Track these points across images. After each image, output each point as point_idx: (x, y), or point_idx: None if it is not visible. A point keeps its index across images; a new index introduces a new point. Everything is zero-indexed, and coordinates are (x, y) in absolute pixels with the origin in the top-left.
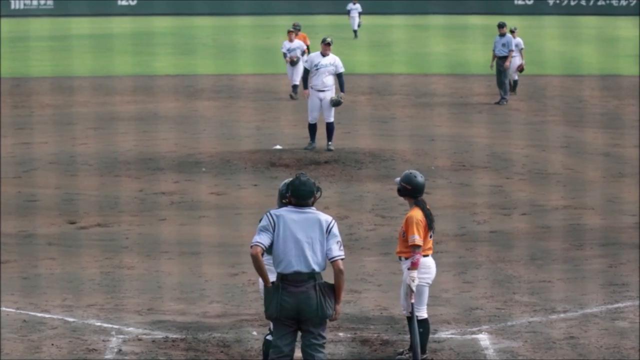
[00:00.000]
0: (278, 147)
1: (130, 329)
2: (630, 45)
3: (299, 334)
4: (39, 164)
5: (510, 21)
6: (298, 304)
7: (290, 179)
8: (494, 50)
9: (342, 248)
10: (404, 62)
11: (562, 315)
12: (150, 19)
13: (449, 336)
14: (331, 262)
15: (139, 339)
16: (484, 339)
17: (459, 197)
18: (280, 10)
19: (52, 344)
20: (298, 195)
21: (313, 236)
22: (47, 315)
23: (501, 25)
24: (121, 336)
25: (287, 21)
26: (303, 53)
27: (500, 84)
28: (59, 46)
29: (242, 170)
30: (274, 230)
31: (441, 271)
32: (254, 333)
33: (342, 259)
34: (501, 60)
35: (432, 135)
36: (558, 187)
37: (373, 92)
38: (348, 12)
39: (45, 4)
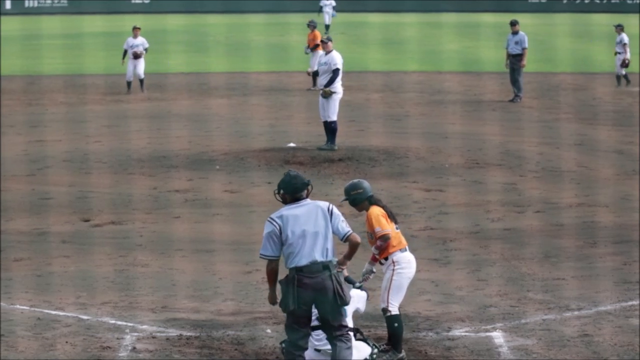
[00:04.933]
0: (292, 144)
1: (145, 326)
2: None
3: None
4: (53, 161)
5: (523, 19)
6: (315, 294)
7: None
8: (506, 48)
9: (347, 225)
10: (416, 60)
11: (576, 312)
12: (163, 17)
13: (463, 334)
14: (347, 239)
15: (153, 337)
16: (498, 337)
17: (472, 195)
18: (293, 8)
19: (67, 342)
20: (294, 190)
21: (320, 224)
22: (61, 313)
23: (513, 23)
24: (135, 334)
25: (299, 19)
26: (146, 49)
27: (514, 81)
28: (72, 44)
29: (255, 168)
30: (280, 234)
31: (455, 269)
32: (268, 331)
33: (349, 233)
34: (514, 58)
35: (445, 133)
36: (572, 185)
37: (387, 89)
38: (320, 9)
39: (59, 2)
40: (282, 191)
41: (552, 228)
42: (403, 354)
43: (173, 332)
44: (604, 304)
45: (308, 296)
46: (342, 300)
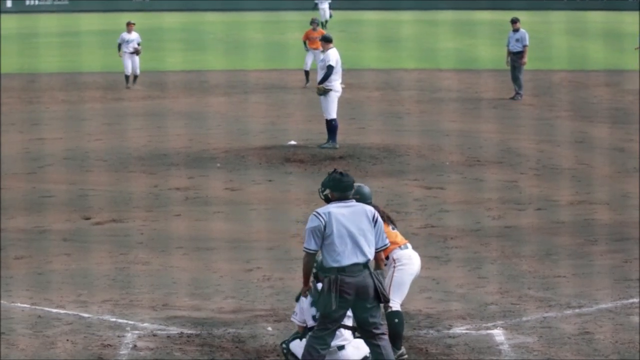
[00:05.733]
0: (293, 142)
1: (145, 324)
2: None
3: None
4: (53, 159)
5: (520, 16)
6: (356, 295)
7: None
8: (507, 46)
9: (386, 236)
10: (415, 58)
11: (576, 310)
12: (162, 15)
13: (463, 332)
14: (377, 251)
15: (154, 335)
16: (498, 335)
17: (473, 192)
18: (291, 6)
19: (67, 340)
20: (342, 189)
21: (364, 227)
22: (62, 311)
23: (514, 21)
24: (136, 332)
25: (298, 16)
26: (139, 44)
27: (515, 79)
28: (72, 42)
29: (256, 166)
30: (325, 229)
31: (455, 266)
32: (269, 329)
33: (385, 246)
34: (515, 56)
35: (445, 131)
36: (572, 182)
37: (387, 87)
38: (315, 5)
39: (60, 0)
40: (327, 190)
41: (552, 225)
42: (403, 350)
43: (174, 330)
44: (605, 301)
45: (349, 297)
46: (384, 298)
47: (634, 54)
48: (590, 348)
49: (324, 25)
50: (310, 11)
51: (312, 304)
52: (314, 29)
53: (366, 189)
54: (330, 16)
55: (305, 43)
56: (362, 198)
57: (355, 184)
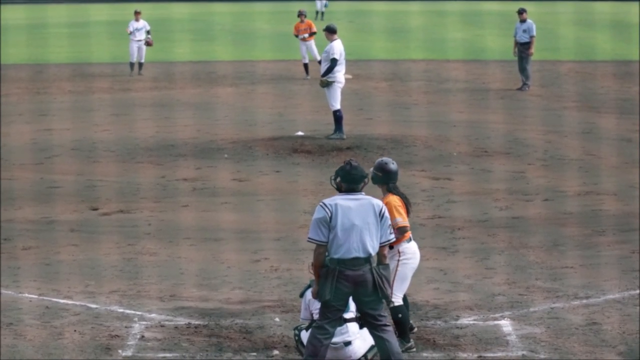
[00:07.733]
0: (300, 133)
1: (153, 315)
2: None
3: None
4: (61, 150)
5: (526, 7)
6: (354, 288)
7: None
8: (515, 37)
9: (392, 231)
10: (423, 48)
11: (583, 301)
12: (169, 5)
13: (471, 322)
14: (381, 246)
15: (162, 325)
16: (506, 325)
17: (480, 183)
18: None
19: (75, 330)
20: (351, 180)
21: (369, 221)
22: (69, 302)
23: (521, 12)
24: (143, 322)
25: (306, 7)
26: (148, 32)
27: (522, 69)
28: (79, 32)
29: (263, 157)
30: (330, 220)
31: (463, 257)
32: (277, 319)
33: (389, 241)
34: (522, 47)
35: (453, 121)
36: (579, 173)
37: (394, 78)
38: None
39: None
40: (339, 179)
41: (559, 216)
42: (412, 342)
43: (181, 321)
44: (612, 292)
45: (346, 289)
46: (383, 293)
47: (633, 45)
48: (598, 339)
49: (321, 16)
50: (318, 1)
51: None
52: (301, 21)
53: (392, 165)
54: (326, 6)
55: (297, 36)
56: (383, 177)
57: (383, 159)
